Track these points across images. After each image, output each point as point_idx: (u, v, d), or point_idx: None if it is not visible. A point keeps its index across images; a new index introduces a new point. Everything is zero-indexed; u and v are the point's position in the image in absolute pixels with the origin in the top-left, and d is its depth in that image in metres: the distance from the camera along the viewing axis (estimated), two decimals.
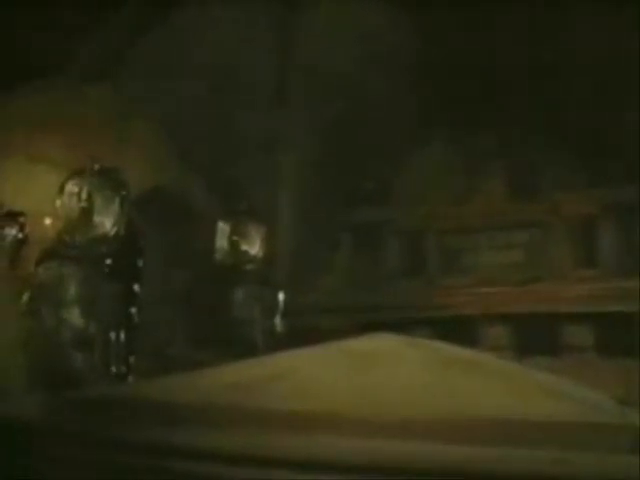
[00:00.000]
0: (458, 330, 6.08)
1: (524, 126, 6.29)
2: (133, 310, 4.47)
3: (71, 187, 4.08)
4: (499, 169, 6.49)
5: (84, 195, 4.05)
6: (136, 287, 4.51)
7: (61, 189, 4.10)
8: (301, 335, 5.31)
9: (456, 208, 6.52)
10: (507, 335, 6.09)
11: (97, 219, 4.10)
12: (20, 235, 4.58)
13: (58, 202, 4.07)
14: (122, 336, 4.05)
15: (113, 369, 3.98)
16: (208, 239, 4.89)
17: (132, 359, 4.32)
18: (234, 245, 4.77)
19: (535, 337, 5.91)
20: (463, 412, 1.80)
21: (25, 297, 3.92)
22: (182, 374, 2.63)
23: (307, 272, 6.19)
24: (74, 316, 3.86)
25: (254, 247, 4.85)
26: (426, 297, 6.29)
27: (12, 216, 4.48)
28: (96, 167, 4.09)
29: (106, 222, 4.11)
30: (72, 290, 3.89)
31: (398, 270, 6.54)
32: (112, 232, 4.11)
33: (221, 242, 4.76)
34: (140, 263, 4.56)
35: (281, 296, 4.98)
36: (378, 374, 2.19)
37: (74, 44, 4.83)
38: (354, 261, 6.64)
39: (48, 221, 4.47)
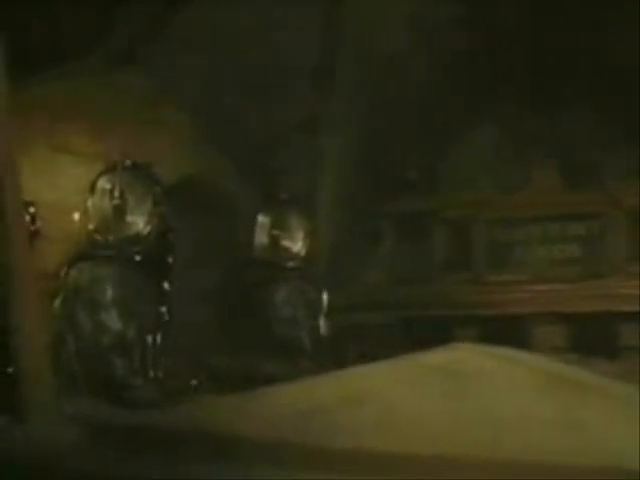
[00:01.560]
0: (508, 329, 5.88)
1: (580, 110, 6.02)
2: (163, 309, 4.30)
3: (103, 185, 3.91)
4: (553, 155, 6.22)
5: (117, 193, 3.88)
6: (166, 285, 4.33)
7: (92, 187, 3.93)
8: (347, 335, 5.11)
9: (506, 197, 6.29)
10: (561, 335, 5.87)
11: (130, 218, 3.95)
12: (31, 227, 4.36)
13: (89, 201, 3.90)
14: (158, 339, 3.88)
15: (151, 374, 3.81)
16: (244, 232, 4.65)
17: (165, 362, 4.14)
18: (275, 240, 4.54)
19: (592, 337, 5.69)
20: (607, 458, 1.51)
21: (57, 301, 3.74)
22: (238, 395, 2.37)
23: (348, 265, 5.97)
24: (112, 319, 3.69)
25: (296, 243, 4.62)
26: (474, 293, 6.06)
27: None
28: (128, 163, 3.90)
29: (139, 220, 3.96)
30: (108, 292, 3.73)
31: (444, 264, 6.32)
32: (145, 231, 3.94)
33: (261, 237, 4.53)
34: (170, 259, 4.37)
35: (325, 296, 4.75)
36: (479, 401, 1.91)
37: (101, 26, 4.61)
38: (397, 254, 6.41)
39: (76, 216, 4.28)
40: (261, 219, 4.66)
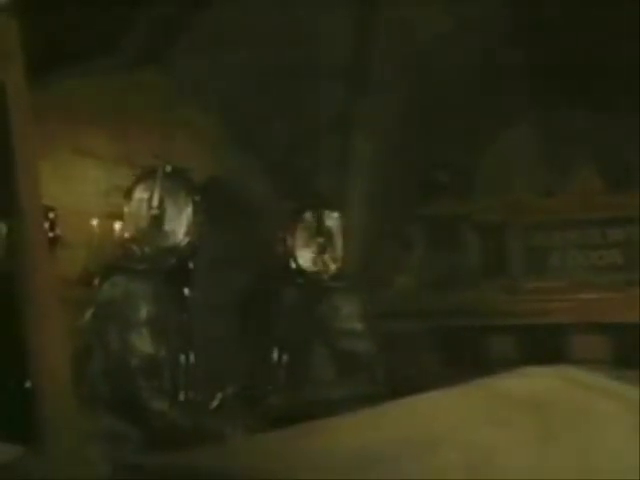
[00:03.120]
0: (545, 340, 5.75)
1: (622, 109, 5.85)
2: (184, 316, 4.16)
3: (141, 192, 3.74)
4: (594, 156, 6.06)
5: (155, 201, 3.71)
6: (186, 291, 4.18)
7: (129, 194, 3.77)
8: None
9: (544, 200, 6.12)
10: (602, 347, 5.71)
11: (168, 227, 3.77)
12: (50, 233, 4.25)
13: (126, 209, 3.74)
14: (192, 357, 3.72)
15: (181, 396, 3.66)
16: (279, 238, 4.43)
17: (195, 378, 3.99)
18: (321, 248, 4.28)
19: (635, 350, 5.51)
20: None
21: (88, 314, 3.61)
22: (287, 432, 2.12)
23: (377, 271, 5.83)
24: (143, 340, 3.53)
25: (339, 250, 4.36)
26: (509, 301, 5.91)
27: None
28: (168, 169, 3.73)
29: (178, 230, 3.77)
30: (142, 310, 3.57)
31: (477, 270, 6.17)
32: (184, 242, 3.77)
33: (302, 244, 4.27)
34: (190, 265, 4.22)
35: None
36: (585, 446, 1.63)
37: (122, 25, 4.49)
38: (428, 259, 6.27)
39: (95, 222, 4.19)
40: (302, 224, 4.38)
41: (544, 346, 5.73)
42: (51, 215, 4.24)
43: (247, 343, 4.74)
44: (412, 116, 5.70)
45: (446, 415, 1.83)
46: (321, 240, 4.26)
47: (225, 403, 4.03)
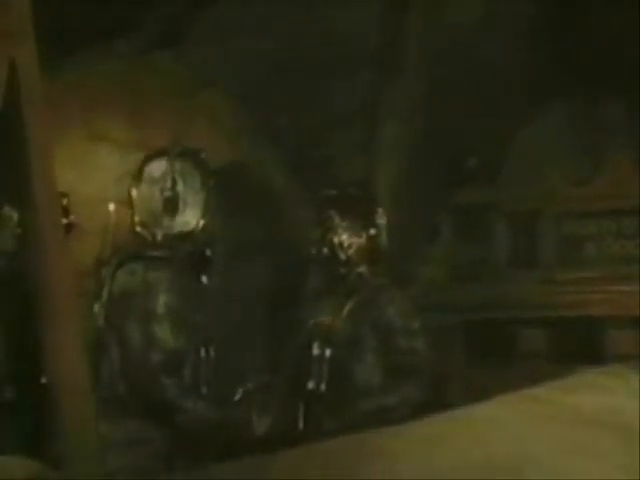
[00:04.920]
0: (578, 333, 5.62)
1: None
2: (205, 307, 4.06)
3: (151, 173, 3.61)
4: (629, 144, 5.91)
5: (168, 183, 3.58)
6: (204, 279, 4.07)
7: (138, 175, 3.64)
8: None
9: (577, 188, 5.96)
10: (637, 342, 5.56)
11: (182, 212, 3.64)
12: (64, 221, 4.14)
13: (134, 191, 3.61)
14: (212, 352, 3.62)
15: (204, 390, 3.55)
16: (308, 230, 4.29)
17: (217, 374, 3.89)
18: (372, 240, 4.11)
19: None
20: None
21: (97, 306, 3.49)
22: (329, 446, 1.94)
23: (403, 263, 5.71)
24: (165, 333, 3.41)
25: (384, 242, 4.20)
26: (541, 293, 5.78)
27: None
28: (178, 149, 3.61)
29: (192, 215, 3.65)
30: (162, 300, 3.44)
31: (508, 261, 6.03)
32: (200, 227, 3.65)
33: (352, 238, 4.09)
34: (208, 252, 4.11)
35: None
36: None
37: (138, 8, 4.40)
38: (456, 249, 6.15)
39: (111, 206, 4.08)
40: (350, 214, 4.17)
41: (578, 339, 5.61)
42: (64, 202, 4.14)
43: (277, 335, 4.61)
44: (441, 103, 5.58)
45: (523, 438, 1.63)
46: (373, 232, 4.09)
47: (248, 397, 3.92)
